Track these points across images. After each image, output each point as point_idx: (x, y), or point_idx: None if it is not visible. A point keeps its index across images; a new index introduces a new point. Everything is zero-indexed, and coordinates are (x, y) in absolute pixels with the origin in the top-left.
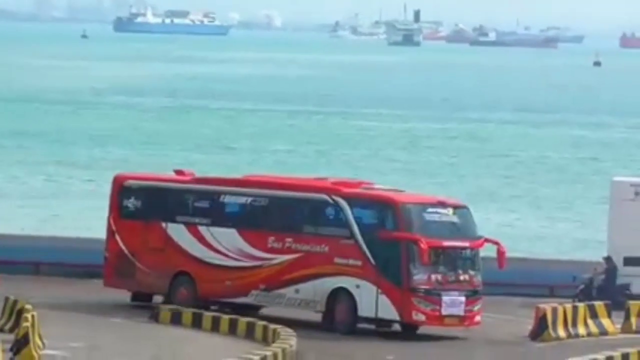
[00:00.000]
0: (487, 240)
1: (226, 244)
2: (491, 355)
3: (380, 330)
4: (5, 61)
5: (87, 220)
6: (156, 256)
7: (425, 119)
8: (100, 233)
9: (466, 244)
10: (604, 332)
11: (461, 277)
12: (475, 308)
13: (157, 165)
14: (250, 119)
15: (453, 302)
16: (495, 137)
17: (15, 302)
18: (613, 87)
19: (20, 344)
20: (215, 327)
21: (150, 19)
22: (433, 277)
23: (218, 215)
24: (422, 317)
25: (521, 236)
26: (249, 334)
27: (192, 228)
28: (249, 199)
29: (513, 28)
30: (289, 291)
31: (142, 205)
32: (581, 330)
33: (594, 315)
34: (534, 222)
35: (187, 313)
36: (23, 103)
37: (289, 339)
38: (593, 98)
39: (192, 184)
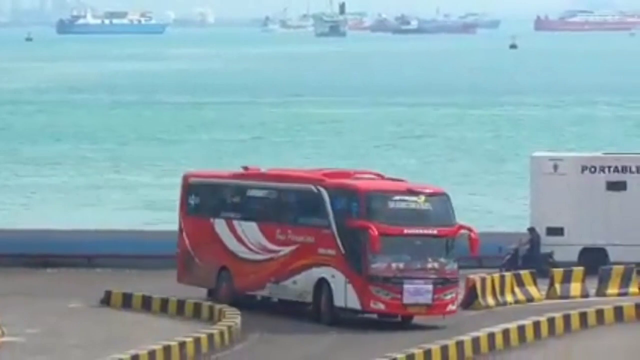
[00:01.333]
0: (461, 227)
1: (250, 238)
2: (426, 324)
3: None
4: None
5: (41, 211)
6: (207, 251)
7: (350, 104)
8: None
9: (433, 232)
10: (530, 299)
11: (429, 265)
12: (448, 297)
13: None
14: (186, 111)
15: (417, 291)
16: (417, 119)
17: None
18: (528, 68)
19: None
20: (163, 309)
21: (91, 20)
22: (394, 265)
23: (244, 209)
24: (382, 306)
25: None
26: (196, 314)
27: (229, 223)
28: (263, 192)
29: (433, 16)
30: (289, 283)
31: (200, 202)
32: (509, 298)
33: (521, 283)
34: (459, 198)
35: (137, 296)
36: None
37: (234, 317)
38: (509, 79)
39: (230, 179)
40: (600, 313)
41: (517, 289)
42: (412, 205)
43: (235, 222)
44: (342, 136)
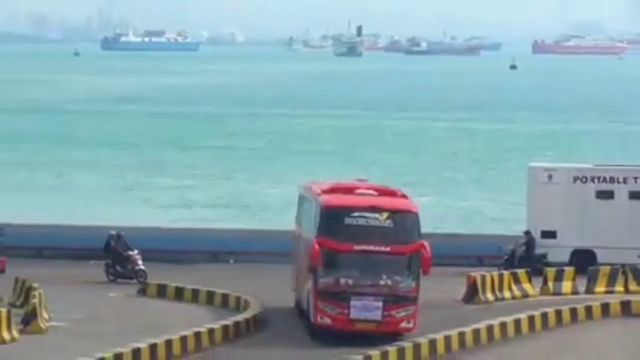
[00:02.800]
0: (420, 245)
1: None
2: (431, 316)
3: None
4: (8, 78)
5: (88, 210)
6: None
7: (365, 117)
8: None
9: (386, 249)
10: (525, 295)
11: (381, 282)
12: (401, 314)
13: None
14: (217, 121)
15: (365, 307)
16: (427, 132)
17: (24, 281)
18: (527, 86)
19: (30, 318)
20: (194, 299)
21: (132, 38)
22: (342, 280)
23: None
24: (328, 321)
25: (453, 215)
26: (224, 304)
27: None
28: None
29: (441, 38)
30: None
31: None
32: (506, 294)
33: (517, 281)
34: (463, 203)
35: (171, 287)
36: (27, 113)
37: (258, 307)
38: (509, 97)
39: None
40: (589, 309)
41: (514, 286)
42: (372, 222)
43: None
44: (354, 145)
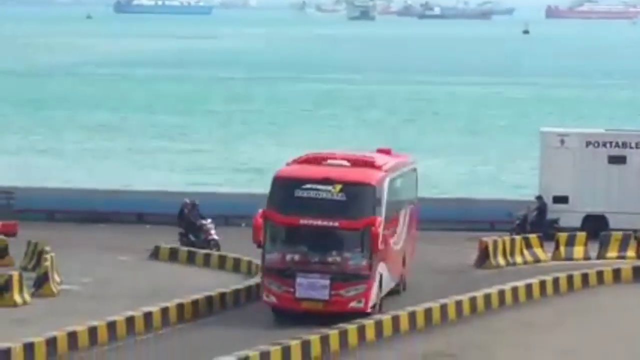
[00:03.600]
0: (374, 221)
1: None
2: (442, 281)
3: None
4: (20, 41)
5: (97, 172)
6: None
7: (375, 81)
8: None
9: (334, 224)
10: (537, 260)
11: (329, 259)
12: (351, 293)
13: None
14: (227, 85)
15: (312, 285)
16: (435, 96)
17: (36, 244)
18: (539, 52)
19: (41, 281)
20: (206, 263)
21: (145, 1)
22: (288, 257)
23: None
24: (273, 299)
25: (466, 180)
26: (236, 268)
27: None
28: None
29: (454, 3)
30: None
31: None
32: (518, 259)
33: (529, 245)
34: (474, 168)
35: (183, 251)
36: (37, 77)
37: None
38: (521, 61)
39: None
40: (600, 274)
41: (525, 251)
42: (323, 195)
43: None
44: (364, 111)
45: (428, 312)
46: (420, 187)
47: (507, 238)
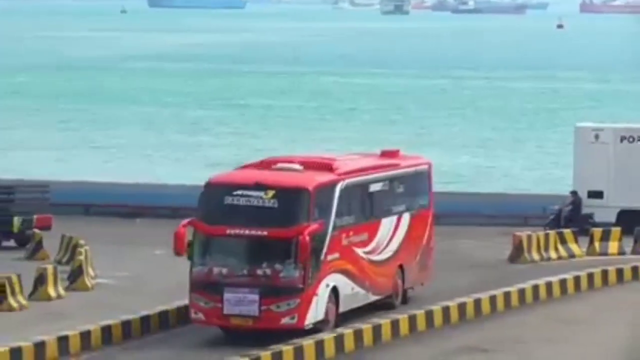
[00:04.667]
0: (305, 229)
1: None
2: (476, 276)
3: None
4: (54, 35)
5: (134, 167)
6: None
7: (408, 76)
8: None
9: (263, 233)
10: (572, 255)
11: (258, 272)
12: (282, 308)
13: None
14: (266, 80)
15: (240, 300)
16: (471, 91)
17: (70, 238)
18: (573, 46)
19: (76, 274)
20: None
21: None
22: (215, 270)
23: None
24: (201, 316)
25: (499, 175)
26: None
27: None
28: None
29: None
30: None
31: None
32: (552, 254)
33: (563, 241)
34: (509, 163)
35: None
36: (71, 71)
37: None
38: (555, 56)
39: None
40: (635, 269)
41: (560, 246)
42: (254, 202)
43: None
44: (399, 105)
45: (462, 307)
46: (455, 181)
47: (541, 233)
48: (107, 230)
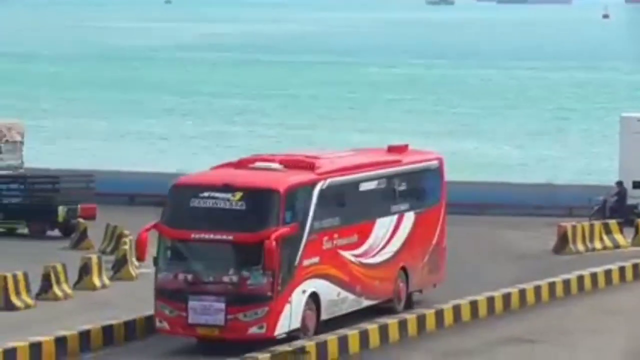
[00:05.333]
0: (272, 233)
1: None
2: (520, 267)
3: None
4: (98, 25)
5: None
6: None
7: (453, 66)
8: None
9: (228, 237)
10: (617, 246)
11: (224, 279)
12: (250, 317)
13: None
14: (310, 69)
15: (205, 309)
16: (516, 82)
17: (115, 228)
18: (619, 36)
19: (120, 264)
20: None
21: None
22: (180, 276)
23: None
24: (166, 326)
25: (543, 165)
26: None
27: None
28: None
29: None
30: None
31: None
32: (597, 244)
33: (608, 231)
34: (554, 153)
35: None
36: (115, 61)
37: None
38: (601, 46)
39: None
40: None
41: (605, 237)
42: (221, 204)
43: None
44: (443, 96)
45: (506, 298)
46: (500, 172)
47: (586, 224)
48: (152, 220)
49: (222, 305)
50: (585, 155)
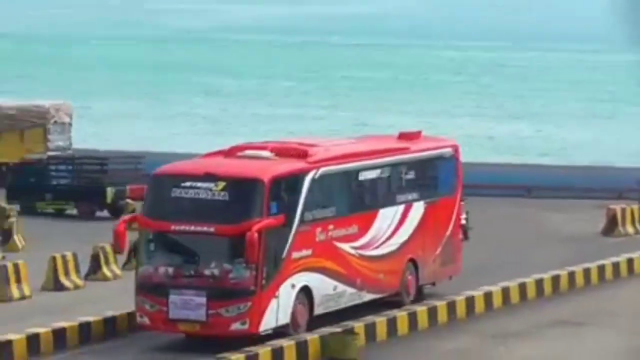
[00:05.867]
0: (254, 225)
1: None
2: (570, 249)
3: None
4: (156, 7)
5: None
6: None
7: (505, 49)
8: None
9: (209, 229)
10: None
11: (205, 272)
12: (231, 312)
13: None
14: (363, 52)
15: (186, 304)
16: (565, 62)
17: None
18: None
19: None
20: None
21: None
22: (161, 270)
23: None
24: (147, 321)
25: (595, 148)
26: None
27: None
28: None
29: None
30: None
31: None
32: None
33: None
34: (603, 136)
35: None
36: (168, 42)
37: None
38: None
39: None
40: None
41: None
42: (203, 195)
43: None
44: (491, 77)
45: (555, 280)
46: (548, 154)
47: (635, 206)
48: None
49: (203, 300)
50: (637, 138)
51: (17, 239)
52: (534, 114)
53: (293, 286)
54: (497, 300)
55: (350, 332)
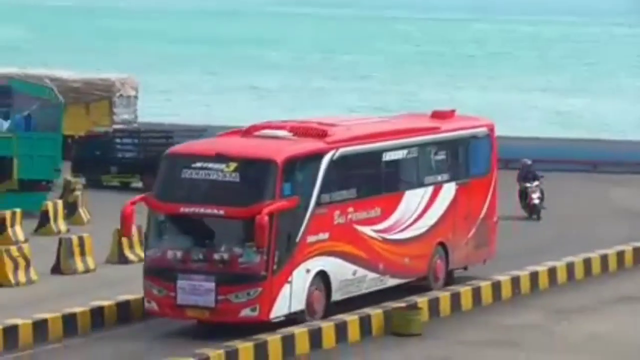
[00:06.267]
0: (264, 207)
1: None
2: (634, 225)
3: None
4: None
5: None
6: None
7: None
8: None
9: (219, 212)
10: None
11: (215, 256)
12: (241, 298)
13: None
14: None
15: (194, 289)
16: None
17: None
18: None
19: None
20: None
21: None
22: (169, 254)
23: None
24: (154, 306)
25: None
26: None
27: None
28: None
29: None
30: None
31: None
32: None
33: None
34: None
35: None
36: (220, 15)
37: None
38: None
39: None
40: None
41: None
42: (214, 176)
43: None
44: (555, 52)
45: (620, 256)
46: (611, 130)
47: None
48: None
49: (212, 285)
50: None
51: (82, 212)
52: (597, 89)
53: (308, 271)
54: (561, 276)
55: (414, 307)
